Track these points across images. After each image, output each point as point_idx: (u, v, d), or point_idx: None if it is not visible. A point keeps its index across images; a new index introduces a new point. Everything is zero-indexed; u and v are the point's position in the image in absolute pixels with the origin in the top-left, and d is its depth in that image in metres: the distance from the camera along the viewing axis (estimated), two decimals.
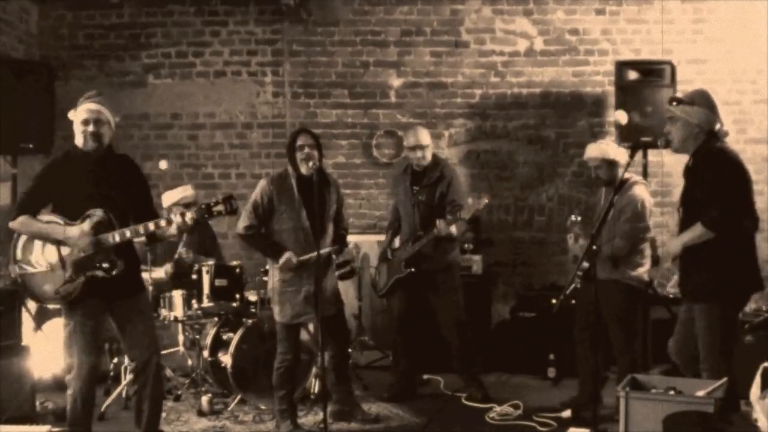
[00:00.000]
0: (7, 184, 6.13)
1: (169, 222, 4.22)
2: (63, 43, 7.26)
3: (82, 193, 4.22)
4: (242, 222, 4.96)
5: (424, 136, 5.63)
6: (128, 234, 4.21)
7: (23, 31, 6.96)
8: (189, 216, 4.18)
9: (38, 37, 7.20)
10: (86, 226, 4.16)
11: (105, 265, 4.21)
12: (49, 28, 7.25)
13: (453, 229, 5.32)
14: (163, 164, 5.81)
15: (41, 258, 4.24)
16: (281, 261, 4.83)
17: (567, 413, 5.18)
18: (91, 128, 4.22)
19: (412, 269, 5.58)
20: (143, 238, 4.90)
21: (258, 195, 4.91)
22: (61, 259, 4.20)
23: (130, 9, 7.25)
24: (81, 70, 7.26)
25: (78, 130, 4.26)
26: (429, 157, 5.63)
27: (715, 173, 4.08)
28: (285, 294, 4.90)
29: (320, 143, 4.96)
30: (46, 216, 4.26)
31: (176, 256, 5.97)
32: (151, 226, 4.21)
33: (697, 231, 4.09)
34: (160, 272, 5.83)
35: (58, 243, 4.20)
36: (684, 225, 4.24)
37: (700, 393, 3.88)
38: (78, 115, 4.26)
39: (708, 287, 4.11)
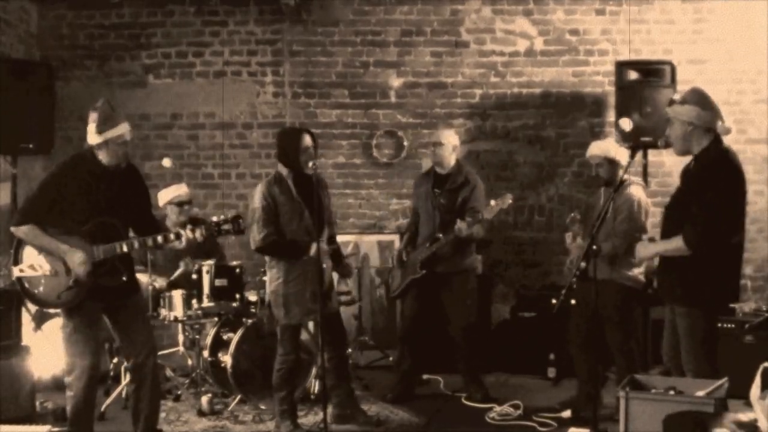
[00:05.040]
0: (7, 184, 6.13)
1: (178, 236, 4.31)
2: (63, 43, 7.26)
3: (89, 202, 4.22)
4: (258, 234, 4.84)
5: (445, 136, 5.69)
6: (136, 245, 4.28)
7: (23, 31, 6.96)
8: (198, 233, 4.30)
9: (38, 37, 7.20)
10: (89, 253, 4.16)
11: (110, 274, 4.27)
12: (49, 28, 7.25)
13: (474, 229, 5.37)
14: (167, 162, 5.84)
15: (45, 262, 4.22)
16: (314, 251, 4.74)
17: (567, 413, 5.18)
18: (127, 149, 4.33)
19: (425, 271, 5.59)
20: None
21: (263, 201, 4.83)
22: (66, 265, 4.20)
23: (130, 9, 7.25)
24: (81, 70, 7.26)
25: (113, 151, 4.27)
26: (447, 157, 5.64)
27: (714, 188, 3.99)
28: (290, 295, 4.88)
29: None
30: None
31: (179, 270, 5.97)
32: (160, 239, 4.30)
33: (674, 244, 4.05)
34: (162, 282, 5.82)
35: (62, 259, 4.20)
36: (669, 225, 4.23)
37: (700, 393, 3.88)
38: (116, 137, 4.25)
39: (692, 292, 4.08)
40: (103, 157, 4.28)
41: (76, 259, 4.15)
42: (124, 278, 4.34)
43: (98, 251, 4.20)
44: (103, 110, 4.28)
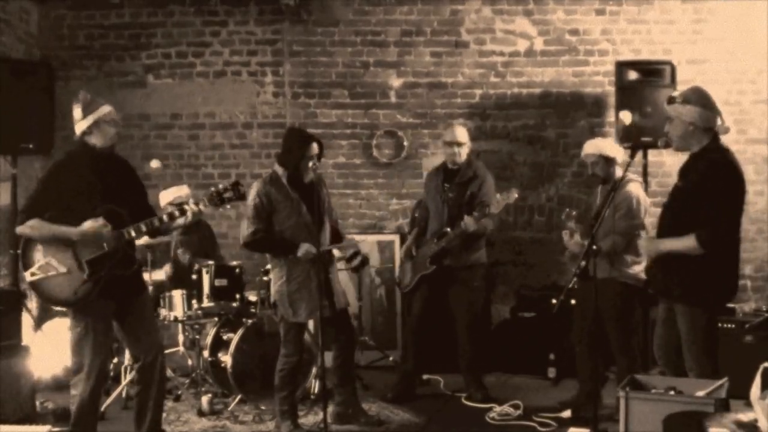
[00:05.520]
0: (7, 184, 6.13)
1: (183, 212, 4.28)
2: (63, 43, 7.26)
3: (91, 191, 4.22)
4: (247, 229, 4.90)
5: (462, 134, 5.69)
6: (143, 228, 4.24)
7: (23, 31, 6.96)
8: (202, 204, 4.29)
9: (38, 37, 7.20)
10: (102, 220, 4.16)
11: (123, 262, 4.24)
12: (49, 28, 7.25)
13: (484, 221, 5.40)
14: (155, 163, 5.86)
15: (56, 261, 4.20)
16: (301, 252, 4.78)
17: (567, 413, 5.18)
18: (118, 129, 4.36)
19: (435, 266, 5.61)
20: (145, 238, 4.91)
21: (256, 199, 4.86)
22: (78, 260, 4.19)
23: (130, 9, 7.25)
24: (81, 70, 7.26)
25: (104, 131, 4.29)
26: (464, 155, 5.68)
27: (721, 189, 4.02)
28: (296, 293, 4.88)
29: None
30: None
31: (172, 255, 5.99)
32: (166, 217, 4.28)
33: (687, 243, 4.04)
34: (160, 274, 5.85)
35: (72, 244, 4.18)
36: (667, 222, 4.24)
37: (700, 393, 3.88)
38: (103, 116, 4.28)
39: (692, 291, 4.09)
40: (96, 140, 4.29)
41: (94, 225, 4.12)
42: (134, 267, 4.32)
43: (107, 239, 4.18)
44: (83, 98, 4.34)
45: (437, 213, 5.72)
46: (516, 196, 5.34)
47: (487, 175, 5.72)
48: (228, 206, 4.53)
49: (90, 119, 4.26)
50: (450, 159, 5.70)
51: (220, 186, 4.39)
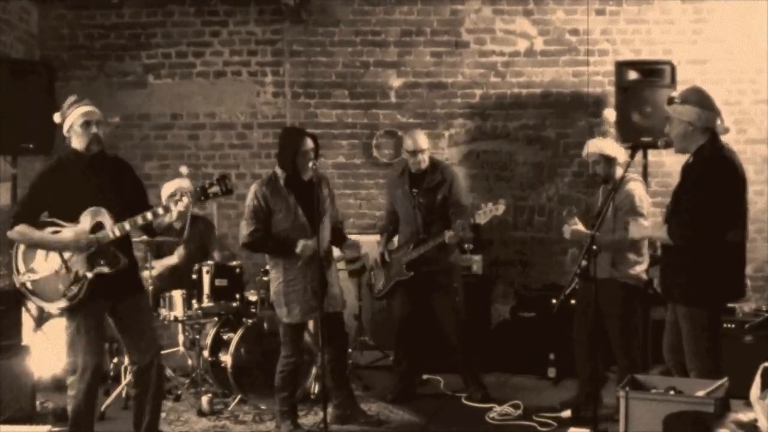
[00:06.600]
0: (7, 184, 6.13)
1: (167, 209, 4.22)
2: (63, 43, 7.26)
3: (79, 195, 4.21)
4: (245, 230, 4.90)
5: (423, 140, 5.60)
6: (127, 226, 4.20)
7: (23, 31, 6.96)
8: (185, 200, 4.21)
9: (38, 37, 7.20)
10: (82, 225, 4.15)
11: (108, 261, 4.21)
12: (49, 28, 7.25)
13: (463, 234, 5.40)
14: (184, 170, 5.91)
15: (44, 263, 4.21)
16: (299, 248, 4.76)
17: (567, 413, 5.18)
18: (94, 130, 4.26)
19: (413, 272, 5.57)
20: (145, 237, 4.89)
21: (254, 199, 4.86)
22: (65, 261, 4.19)
23: (130, 9, 7.25)
24: (81, 70, 7.26)
25: (78, 133, 4.25)
26: (427, 160, 5.62)
27: (704, 187, 4.03)
28: (291, 294, 4.88)
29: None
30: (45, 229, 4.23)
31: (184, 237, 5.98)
32: (149, 215, 4.21)
33: (662, 234, 4.20)
34: (173, 259, 5.85)
35: (59, 250, 4.19)
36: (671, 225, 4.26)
37: (700, 393, 3.88)
38: (76, 119, 4.24)
39: (692, 291, 4.10)
40: (75, 143, 4.28)
41: (68, 235, 4.12)
42: (119, 266, 4.26)
43: (92, 241, 4.17)
44: (66, 102, 4.33)
45: (409, 220, 5.65)
46: (504, 207, 5.30)
47: (454, 176, 5.69)
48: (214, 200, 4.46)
49: (65, 125, 4.27)
50: (415, 167, 5.60)
51: (206, 182, 4.32)
